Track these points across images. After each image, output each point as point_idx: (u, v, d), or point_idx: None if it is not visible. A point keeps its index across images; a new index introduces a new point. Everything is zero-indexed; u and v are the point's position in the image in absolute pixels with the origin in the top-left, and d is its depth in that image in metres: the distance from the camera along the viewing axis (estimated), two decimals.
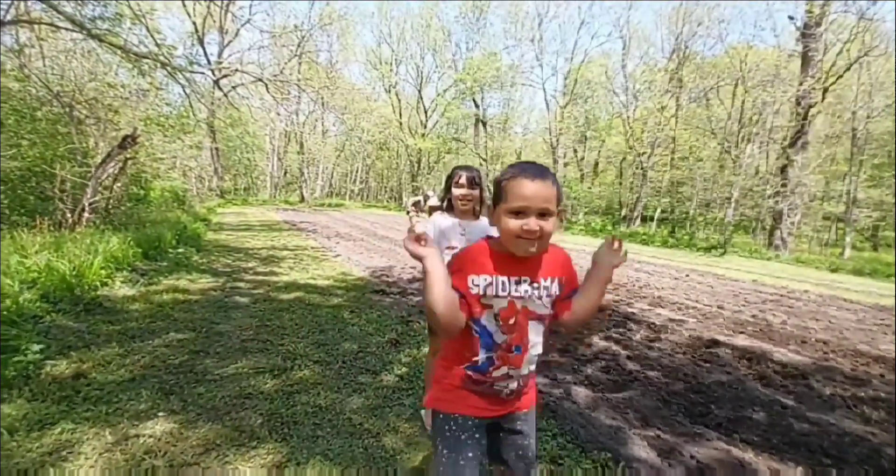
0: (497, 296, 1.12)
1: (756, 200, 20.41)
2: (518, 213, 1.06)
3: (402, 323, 4.12)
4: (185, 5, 21.60)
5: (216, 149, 24.84)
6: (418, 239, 1.08)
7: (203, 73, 12.40)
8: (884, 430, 2.58)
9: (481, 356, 1.16)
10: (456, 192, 2.13)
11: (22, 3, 6.98)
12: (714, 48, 25.47)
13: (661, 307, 5.56)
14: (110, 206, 8.26)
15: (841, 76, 15.76)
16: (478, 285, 1.12)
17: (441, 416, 1.22)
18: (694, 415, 2.66)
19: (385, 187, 45.79)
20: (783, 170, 16.53)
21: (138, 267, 5.67)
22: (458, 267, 1.14)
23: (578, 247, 13.54)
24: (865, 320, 5.67)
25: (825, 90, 15.48)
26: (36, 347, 2.80)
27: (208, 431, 2.12)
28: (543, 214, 1.06)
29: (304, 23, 25.10)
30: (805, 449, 2.32)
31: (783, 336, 4.53)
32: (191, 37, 23.48)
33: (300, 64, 23.28)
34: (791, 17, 16.50)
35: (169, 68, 8.53)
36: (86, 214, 6.91)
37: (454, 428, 1.18)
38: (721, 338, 4.24)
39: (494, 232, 2.14)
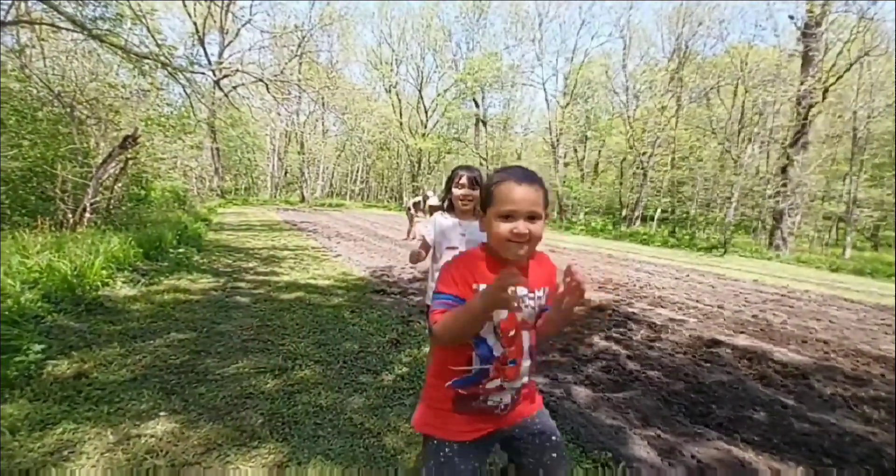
0: None
1: (757, 200, 20.40)
2: (507, 216, 1.07)
3: (402, 323, 4.12)
4: (185, 6, 21.65)
5: (217, 149, 24.88)
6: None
7: (204, 74, 12.42)
8: (884, 430, 2.59)
9: (475, 367, 1.12)
10: (457, 192, 2.13)
11: (23, 4, 6.99)
12: (715, 48, 25.49)
13: (662, 307, 5.56)
14: (111, 207, 8.27)
15: (841, 76, 15.74)
16: None
17: (434, 442, 1.16)
18: (695, 414, 2.66)
19: (385, 187, 45.81)
20: (784, 170, 16.52)
21: (139, 267, 5.68)
22: (460, 276, 1.10)
23: (579, 246, 13.55)
24: (866, 320, 5.66)
25: (826, 90, 15.47)
26: (37, 347, 2.81)
27: (209, 431, 2.12)
28: (532, 217, 1.07)
29: (304, 23, 25.14)
30: (806, 449, 2.32)
31: (784, 336, 4.53)
32: (191, 37, 23.52)
33: (301, 64, 23.33)
34: (791, 17, 16.44)
35: (170, 68, 8.54)
36: (87, 214, 6.92)
37: (450, 455, 1.13)
38: (722, 337, 4.24)
39: None
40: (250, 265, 6.71)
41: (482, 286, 1.09)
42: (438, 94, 35.51)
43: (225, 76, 14.29)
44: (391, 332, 3.84)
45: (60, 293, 3.92)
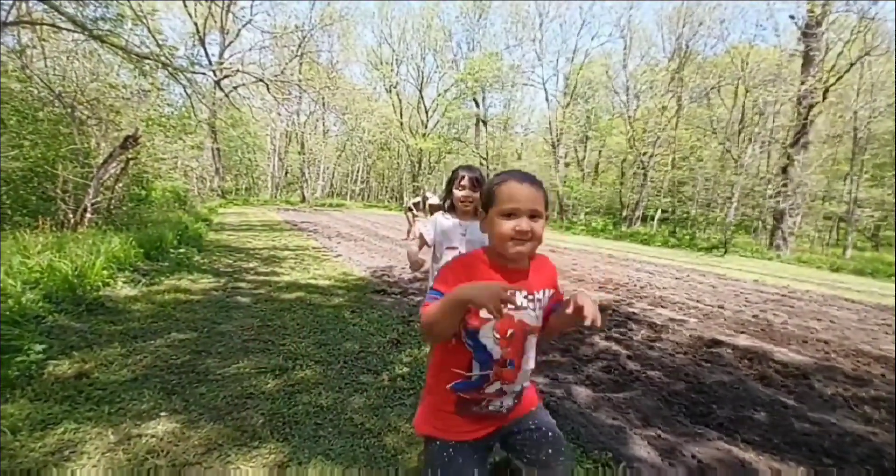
0: None
1: (757, 200, 20.40)
2: (510, 215, 1.09)
3: (403, 323, 4.12)
4: (186, 6, 21.67)
5: (217, 149, 24.89)
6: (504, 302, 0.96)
7: (204, 74, 12.42)
8: (885, 430, 2.58)
9: (475, 372, 1.12)
10: (458, 193, 2.13)
11: (24, 4, 6.99)
12: (715, 48, 25.43)
13: (663, 307, 5.55)
14: (112, 207, 8.28)
15: (842, 76, 15.72)
16: None
17: (436, 443, 1.17)
18: (695, 415, 2.66)
19: (386, 187, 45.82)
20: (784, 169, 16.51)
21: (140, 267, 5.68)
22: (455, 276, 1.10)
23: (579, 246, 13.55)
24: (867, 320, 5.66)
25: (826, 90, 15.45)
26: (38, 347, 2.81)
27: (210, 431, 2.12)
28: (533, 216, 1.09)
29: (305, 23, 25.12)
30: (806, 449, 2.32)
31: (784, 336, 4.53)
32: (192, 37, 23.53)
33: (301, 64, 23.35)
34: (792, 17, 16.42)
35: (170, 69, 8.55)
36: (88, 215, 6.93)
37: (453, 454, 1.14)
38: (722, 338, 4.24)
39: None
40: (251, 265, 6.72)
41: None
42: (439, 94, 35.52)
43: (225, 76, 14.30)
44: (392, 332, 3.84)
45: (61, 293, 3.92)
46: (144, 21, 7.96)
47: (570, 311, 1.02)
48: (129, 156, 7.85)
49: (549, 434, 1.21)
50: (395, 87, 36.69)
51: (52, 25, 7.07)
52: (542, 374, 3.09)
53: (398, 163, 41.09)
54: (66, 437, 2.00)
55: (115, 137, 8.16)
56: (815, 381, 3.29)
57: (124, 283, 4.85)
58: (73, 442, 1.96)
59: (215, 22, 24.77)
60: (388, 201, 41.05)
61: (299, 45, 19.84)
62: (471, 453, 1.15)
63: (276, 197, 34.89)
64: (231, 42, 26.08)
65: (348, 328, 3.88)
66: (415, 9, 52.62)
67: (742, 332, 4.55)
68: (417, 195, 15.34)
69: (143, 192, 10.59)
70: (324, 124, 37.61)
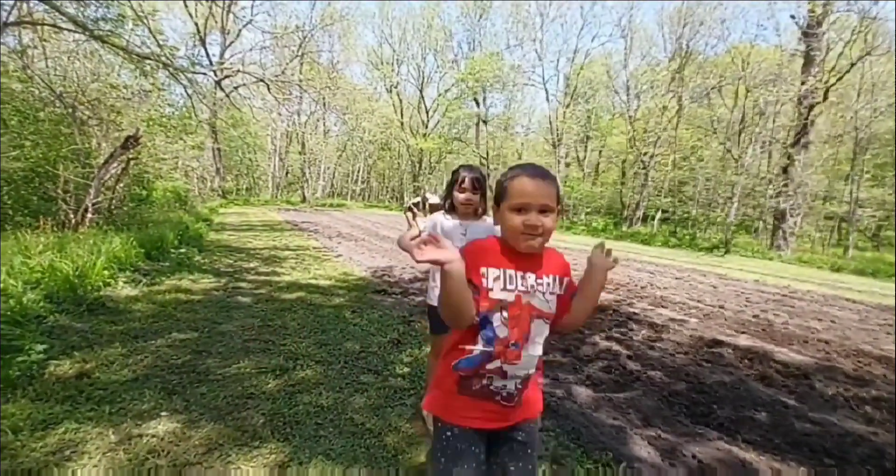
0: (506, 289, 1.14)
1: (758, 200, 20.37)
2: (520, 209, 1.12)
3: (403, 323, 4.12)
4: (186, 6, 21.70)
5: (218, 149, 24.90)
6: (428, 243, 1.05)
7: (205, 74, 12.43)
8: (886, 431, 2.58)
9: (478, 347, 1.15)
10: (459, 196, 2.13)
11: (25, 5, 6.99)
12: (716, 47, 25.29)
13: (663, 307, 5.55)
14: (113, 207, 8.29)
15: (843, 76, 15.70)
16: (487, 277, 1.15)
17: (440, 423, 1.21)
18: (696, 415, 2.66)
19: (387, 187, 45.83)
20: (785, 169, 16.49)
21: (141, 267, 5.69)
22: (471, 259, 1.14)
23: (580, 246, 13.54)
24: (868, 320, 5.65)
25: (827, 90, 15.42)
26: (39, 347, 2.81)
27: (211, 431, 2.12)
28: (544, 211, 1.12)
29: (305, 23, 25.15)
30: (807, 449, 2.32)
31: (785, 336, 4.52)
32: (193, 38, 23.53)
33: (302, 64, 23.35)
34: (793, 17, 16.39)
35: (171, 69, 8.55)
36: (89, 215, 6.94)
37: (452, 438, 1.17)
38: (723, 338, 4.24)
39: (497, 231, 2.15)
40: (251, 265, 6.72)
41: (490, 270, 1.14)
42: (440, 94, 35.52)
43: (226, 76, 14.30)
44: (392, 332, 3.84)
45: (62, 293, 3.93)
46: (145, 21, 7.96)
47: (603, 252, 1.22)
48: (130, 156, 7.85)
49: (528, 451, 1.23)
50: (395, 87, 36.71)
51: (53, 26, 7.08)
52: (542, 373, 3.09)
53: (399, 163, 41.10)
54: (66, 436, 2.00)
55: (116, 138, 8.17)
56: (816, 381, 3.28)
57: (125, 283, 4.86)
58: (74, 442, 1.97)
59: (216, 22, 24.79)
60: (389, 201, 41.04)
61: (300, 46, 19.84)
62: (471, 441, 1.17)
63: (276, 197, 34.89)
64: (232, 42, 26.10)
65: (349, 328, 3.88)
66: (415, 9, 52.68)
67: (743, 333, 4.55)
68: (418, 195, 15.34)
69: (144, 193, 10.60)
70: (324, 124, 37.61)
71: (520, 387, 1.19)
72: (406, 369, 3.05)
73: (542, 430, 2.29)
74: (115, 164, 7.49)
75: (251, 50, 21.56)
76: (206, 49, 23.60)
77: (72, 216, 6.89)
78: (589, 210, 28.92)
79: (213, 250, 8.01)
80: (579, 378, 3.11)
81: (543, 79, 45.26)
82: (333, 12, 29.52)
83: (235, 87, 15.96)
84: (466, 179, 2.11)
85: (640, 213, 24.96)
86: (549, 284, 1.18)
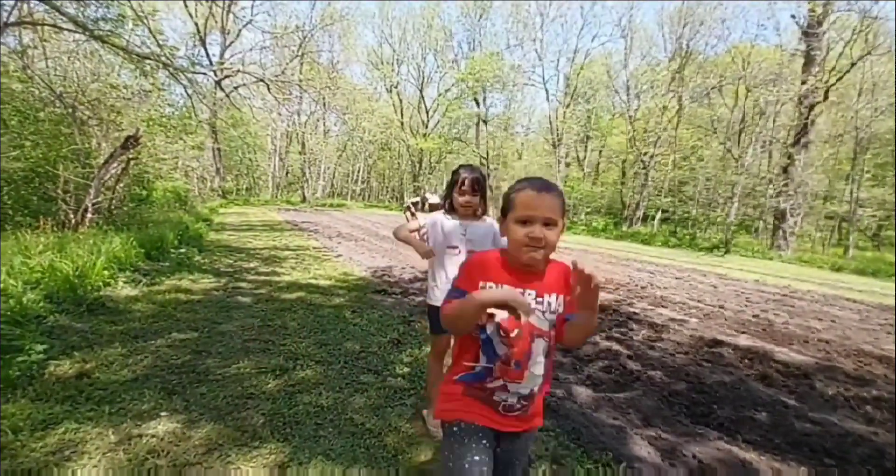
0: None
1: (758, 200, 20.36)
2: (525, 221, 1.14)
3: (403, 323, 4.12)
4: (187, 6, 21.71)
5: (218, 149, 24.89)
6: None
7: (205, 74, 12.43)
8: (886, 431, 2.58)
9: (480, 364, 1.17)
10: (459, 199, 2.14)
11: (25, 5, 6.99)
12: (716, 47, 25.27)
13: (663, 307, 5.55)
14: (113, 207, 8.29)
15: (843, 75, 15.69)
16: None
17: (447, 424, 1.23)
18: (696, 415, 2.66)
19: (387, 187, 45.83)
20: (786, 169, 16.49)
21: (141, 267, 5.69)
22: (469, 271, 1.19)
23: (581, 246, 13.54)
24: (868, 320, 5.65)
25: (828, 89, 15.42)
26: (39, 347, 2.81)
27: (211, 431, 2.12)
28: (548, 224, 1.13)
29: (305, 23, 25.18)
30: (807, 449, 2.32)
31: (786, 336, 4.52)
32: (193, 38, 23.53)
33: (302, 64, 23.35)
34: (794, 16, 16.39)
35: (171, 69, 8.55)
36: (89, 215, 6.94)
37: (459, 432, 1.19)
38: (723, 337, 4.23)
39: (497, 231, 2.15)
40: (251, 265, 6.72)
41: (489, 284, 1.16)
42: (440, 94, 35.53)
43: (226, 76, 14.31)
44: (392, 332, 3.84)
45: (62, 293, 3.93)
46: (145, 21, 7.96)
47: (578, 278, 1.03)
48: (130, 156, 7.85)
49: (516, 462, 1.26)
50: (395, 87, 36.72)
51: (54, 26, 7.08)
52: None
53: (399, 163, 41.10)
54: (66, 437, 2.00)
55: (116, 138, 8.17)
56: (816, 381, 3.28)
57: (125, 283, 4.86)
58: (74, 442, 1.97)
59: (216, 22, 24.79)
60: (389, 201, 41.04)
61: (300, 46, 19.85)
62: (478, 434, 1.18)
63: (276, 197, 34.90)
64: (232, 42, 26.10)
65: (349, 328, 3.88)
66: (415, 9, 52.66)
67: (743, 332, 4.54)
68: (417, 195, 15.34)
69: (144, 193, 10.60)
70: (324, 124, 37.62)
71: (524, 402, 1.19)
72: (406, 369, 3.05)
73: (541, 430, 2.29)
74: (115, 164, 7.49)
75: (251, 50, 21.61)
76: (206, 49, 23.62)
77: (72, 216, 6.89)
78: (589, 210, 28.90)
79: (213, 250, 8.01)
80: (579, 378, 3.11)
81: (543, 79, 45.29)
82: (333, 12, 29.53)
83: (235, 87, 15.96)
84: (466, 181, 2.11)
85: (640, 213, 24.96)
86: (549, 304, 1.18)
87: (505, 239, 1.21)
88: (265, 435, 2.12)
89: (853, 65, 15.61)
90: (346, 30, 34.88)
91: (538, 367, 1.17)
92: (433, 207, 9.80)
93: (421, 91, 36.30)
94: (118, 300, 4.24)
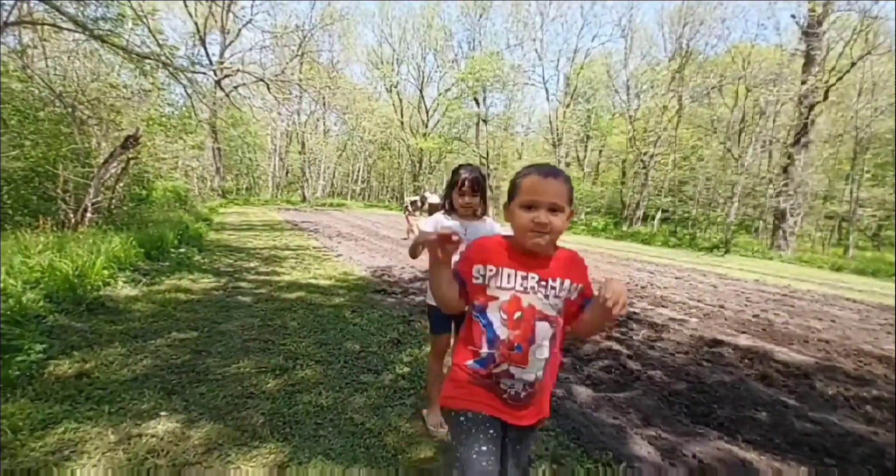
0: (501, 287, 1.14)
1: (758, 200, 20.36)
2: (530, 207, 1.12)
3: (403, 322, 4.12)
4: (186, 6, 21.70)
5: (218, 149, 24.88)
6: (449, 240, 1.12)
7: (205, 74, 12.42)
8: (886, 430, 2.58)
9: (484, 350, 1.15)
10: (459, 199, 2.14)
11: (25, 4, 6.99)
12: (716, 47, 25.29)
13: (663, 307, 5.55)
14: (113, 207, 8.28)
15: (843, 75, 15.69)
16: (482, 275, 1.15)
17: (454, 413, 1.21)
18: (696, 414, 2.66)
19: (387, 187, 45.81)
20: (786, 169, 16.49)
21: (140, 267, 5.68)
22: (468, 254, 1.18)
23: (581, 246, 13.54)
24: (868, 320, 5.65)
25: (828, 89, 15.42)
26: (39, 347, 2.81)
27: (210, 431, 2.12)
28: (554, 209, 1.11)
29: (305, 23, 25.16)
30: (808, 449, 2.32)
31: (786, 336, 4.52)
32: (192, 37, 23.53)
33: (302, 64, 23.31)
34: (794, 16, 16.39)
35: (171, 69, 8.54)
36: (88, 214, 6.93)
37: (466, 423, 1.18)
38: (723, 337, 4.23)
39: (497, 230, 2.15)
40: (251, 265, 6.72)
41: (488, 267, 1.15)
42: (440, 94, 35.52)
43: (226, 76, 14.30)
44: (392, 331, 3.84)
45: (62, 293, 3.92)
46: (145, 21, 7.95)
47: (601, 301, 1.05)
48: (130, 155, 7.85)
49: (522, 457, 1.25)
50: (395, 87, 36.70)
51: (53, 25, 7.07)
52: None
53: (399, 162, 41.09)
54: (66, 436, 2.00)
55: (116, 137, 8.17)
56: (816, 380, 3.28)
57: (125, 282, 4.85)
58: (74, 441, 1.96)
59: (216, 22, 24.78)
60: (389, 201, 41.02)
61: (300, 45, 19.82)
62: (485, 423, 1.17)
63: (276, 196, 34.89)
64: (231, 42, 26.09)
65: (349, 328, 3.88)
66: (415, 8, 52.68)
67: (743, 332, 4.54)
68: (417, 194, 15.34)
69: (144, 192, 10.60)
70: (324, 124, 37.61)
71: (529, 390, 1.17)
72: (406, 369, 3.04)
73: (542, 430, 2.29)
74: (114, 164, 7.48)
75: (251, 49, 21.57)
76: (205, 48, 23.61)
77: (71, 216, 6.89)
78: (589, 210, 28.91)
79: (213, 250, 8.01)
80: (579, 377, 3.11)
81: (543, 78, 45.29)
82: (333, 12, 29.52)
83: (235, 87, 15.94)
84: (466, 182, 2.11)
85: (640, 213, 24.96)
86: (554, 287, 1.16)
87: (502, 232, 1.22)
88: (265, 434, 2.12)
89: (853, 64, 15.61)
90: (346, 29, 34.89)
91: (542, 350, 1.15)
92: (433, 207, 9.80)
93: (421, 91, 36.31)
94: (118, 300, 4.24)
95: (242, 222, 14.67)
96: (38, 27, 7.46)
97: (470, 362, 1.19)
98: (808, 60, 15.89)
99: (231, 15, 23.81)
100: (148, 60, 8.04)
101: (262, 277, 5.82)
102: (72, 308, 3.78)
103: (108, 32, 7.32)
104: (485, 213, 2.24)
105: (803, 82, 15.59)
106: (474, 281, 1.16)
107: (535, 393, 1.18)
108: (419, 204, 11.32)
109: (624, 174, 27.90)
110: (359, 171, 43.32)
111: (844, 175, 24.08)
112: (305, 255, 8.01)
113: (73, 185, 7.13)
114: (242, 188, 35.13)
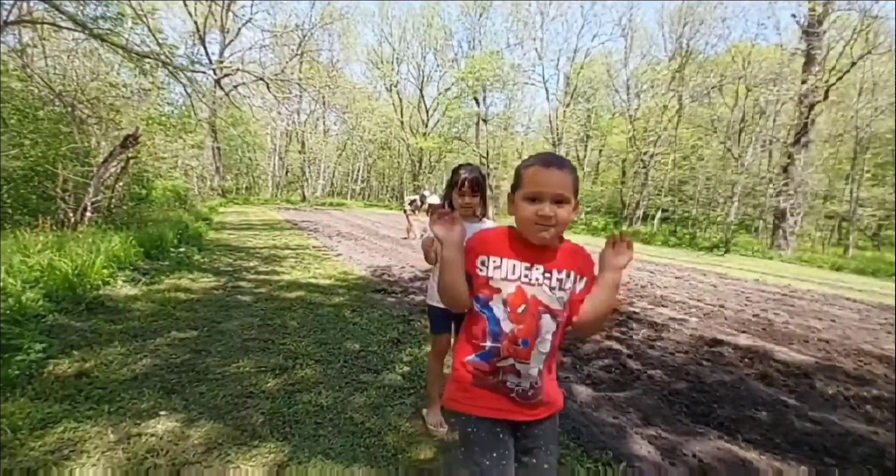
0: (506, 279, 1.10)
1: (758, 199, 20.37)
2: (534, 199, 1.08)
3: (403, 322, 4.12)
4: (186, 5, 21.67)
5: (218, 148, 24.87)
6: (450, 220, 1.14)
7: (204, 73, 12.40)
8: (887, 430, 2.58)
9: (487, 344, 1.12)
10: (458, 200, 2.13)
11: (24, 4, 6.98)
12: (716, 46, 25.29)
13: (663, 306, 5.55)
14: (112, 206, 8.28)
15: (844, 75, 15.68)
16: (486, 267, 1.12)
17: (461, 417, 1.18)
18: (696, 414, 2.66)
19: (386, 186, 45.79)
20: (786, 169, 16.49)
21: (140, 266, 5.68)
22: (471, 246, 1.15)
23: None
24: (868, 319, 5.65)
25: (828, 88, 15.41)
26: (38, 346, 2.81)
27: (210, 430, 2.12)
28: (559, 201, 1.07)
29: (305, 22, 25.09)
30: (808, 448, 2.32)
31: (786, 335, 4.52)
32: (192, 36, 23.50)
33: (301, 63, 23.28)
34: (794, 16, 16.39)
35: (170, 68, 8.54)
36: (88, 214, 6.93)
37: (473, 428, 1.15)
38: (723, 337, 4.23)
39: None
40: (251, 264, 6.72)
41: (491, 258, 1.13)
42: (440, 93, 35.47)
43: (226, 75, 14.27)
44: (392, 331, 3.84)
45: (61, 292, 3.92)
46: (144, 20, 7.94)
47: (615, 247, 1.15)
48: (130, 155, 7.84)
49: (543, 447, 1.19)
50: (395, 86, 36.65)
51: (53, 24, 7.07)
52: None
53: (399, 162, 41.06)
54: (66, 436, 1.99)
55: (116, 136, 8.16)
56: (816, 380, 3.28)
57: (124, 282, 4.85)
58: (73, 441, 1.96)
59: (215, 21, 24.74)
60: (389, 200, 40.99)
61: (299, 44, 19.80)
62: (495, 430, 1.14)
63: (276, 196, 34.86)
64: (231, 41, 26.05)
65: (349, 327, 3.88)
66: (415, 7, 52.62)
67: (743, 332, 4.54)
68: (417, 194, 15.34)
69: (144, 191, 10.59)
70: (324, 123, 37.57)
71: (535, 386, 1.15)
72: (406, 368, 3.04)
73: None
74: (114, 163, 7.47)
75: (251, 48, 21.58)
76: (205, 48, 23.57)
77: (71, 215, 6.88)
78: (589, 209, 28.90)
79: (213, 249, 8.00)
80: (579, 377, 3.10)
81: (544, 78, 45.32)
82: (333, 11, 29.44)
83: (235, 86, 15.92)
84: (466, 182, 2.10)
85: (640, 213, 24.96)
86: (559, 280, 1.12)
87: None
88: (265, 434, 2.11)
89: (853, 64, 15.60)
90: (346, 28, 34.82)
91: (545, 344, 1.13)
92: (432, 208, 9.79)
93: (421, 90, 36.27)
94: (117, 299, 4.23)
95: (242, 222, 14.66)
96: (38, 26, 7.46)
97: (472, 357, 1.15)
98: (809, 60, 15.88)
99: (231, 14, 23.77)
100: (147, 59, 8.03)
101: (261, 277, 5.82)
102: (71, 307, 3.77)
103: (108, 31, 7.31)
104: (485, 214, 2.23)
105: (803, 82, 15.59)
106: (479, 272, 1.13)
107: (541, 386, 1.16)
108: (419, 203, 11.32)
109: (624, 174, 27.90)
110: (359, 171, 43.29)
111: (844, 175, 24.08)
112: (305, 255, 8.01)
113: (72, 184, 7.13)
114: (242, 187, 35.12)
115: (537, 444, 1.19)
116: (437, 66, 36.19)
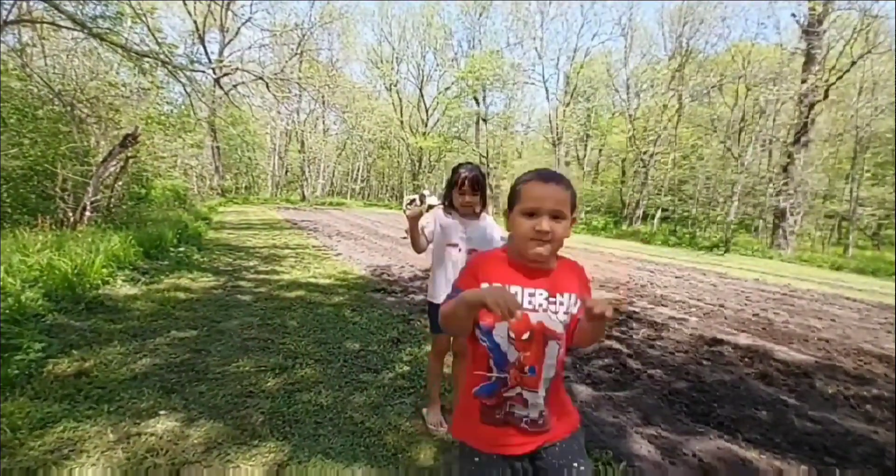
0: None
1: (758, 199, 20.37)
2: (531, 214, 1.06)
3: (403, 321, 4.12)
4: (185, 4, 21.64)
5: (217, 147, 24.84)
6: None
7: (204, 72, 12.39)
8: (887, 429, 2.58)
9: (493, 375, 1.10)
10: (458, 198, 2.14)
11: (24, 3, 6.97)
12: (716, 46, 25.26)
13: (663, 306, 5.55)
14: (112, 205, 8.27)
15: (844, 74, 15.67)
16: None
17: (467, 449, 1.15)
18: (696, 413, 2.65)
19: (386, 186, 45.77)
20: (786, 168, 16.49)
21: (140, 266, 5.68)
22: (472, 272, 1.11)
23: (581, 245, 13.54)
24: (868, 319, 5.65)
25: (828, 88, 15.41)
26: (38, 346, 2.81)
27: (210, 430, 2.12)
28: (556, 217, 1.06)
29: (304, 21, 25.07)
30: (808, 448, 2.32)
31: (786, 335, 4.52)
32: (192, 35, 23.49)
33: (301, 62, 23.26)
34: (794, 15, 16.37)
35: (170, 67, 8.53)
36: (87, 213, 6.92)
37: (479, 465, 1.12)
38: (723, 336, 4.23)
39: (496, 231, 2.12)
40: (251, 264, 6.71)
41: (494, 285, 1.07)
42: (439, 93, 35.44)
43: (225, 74, 14.27)
44: (392, 330, 3.83)
45: (61, 292, 3.92)
46: (144, 19, 7.93)
47: (590, 313, 0.98)
48: (129, 154, 7.83)
49: (575, 466, 1.14)
50: (395, 86, 36.63)
51: (52, 24, 7.06)
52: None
53: (398, 161, 41.04)
54: (65, 435, 1.99)
55: (115, 136, 8.15)
56: (816, 379, 3.28)
57: (124, 281, 4.85)
58: (73, 440, 1.96)
59: (215, 20, 24.71)
60: (389, 200, 40.98)
61: (299, 44, 19.82)
62: (498, 466, 1.11)
63: (276, 195, 34.83)
64: (231, 40, 26.02)
65: (348, 327, 3.88)
66: (415, 7, 52.53)
67: (743, 331, 4.54)
68: (415, 193, 15.33)
69: (143, 191, 10.58)
70: (324, 123, 37.54)
71: (544, 414, 1.12)
72: (406, 368, 3.04)
73: None
74: (113, 163, 7.47)
75: (250, 48, 21.59)
76: (204, 47, 23.56)
77: (70, 214, 6.87)
78: (589, 209, 28.90)
79: (213, 249, 8.00)
80: (580, 376, 3.10)
81: (543, 77, 45.30)
82: (333, 10, 29.41)
83: (234, 85, 15.89)
84: (465, 181, 2.11)
85: (640, 212, 24.95)
86: (562, 304, 1.10)
87: (500, 233, 1.17)
88: (264, 433, 2.11)
89: (853, 63, 15.58)
90: (346, 28, 34.77)
91: (550, 369, 1.11)
92: (433, 208, 9.80)
93: (420, 89, 36.23)
94: (117, 298, 4.23)
95: (242, 221, 14.65)
96: (37, 25, 7.45)
97: (478, 390, 1.12)
98: (809, 59, 15.87)
99: (230, 13, 23.77)
100: (147, 59, 8.02)
101: (261, 276, 5.82)
102: (71, 307, 3.77)
103: (107, 31, 7.30)
104: (483, 210, 2.23)
105: (803, 81, 15.58)
106: None
107: (549, 414, 1.13)
108: (418, 202, 11.33)
109: (624, 173, 27.88)
110: (358, 170, 43.27)
111: (844, 174, 24.07)
112: (305, 254, 8.00)
113: (71, 183, 7.12)
114: (242, 187, 35.09)
115: (563, 461, 1.14)
116: (437, 65, 36.19)
